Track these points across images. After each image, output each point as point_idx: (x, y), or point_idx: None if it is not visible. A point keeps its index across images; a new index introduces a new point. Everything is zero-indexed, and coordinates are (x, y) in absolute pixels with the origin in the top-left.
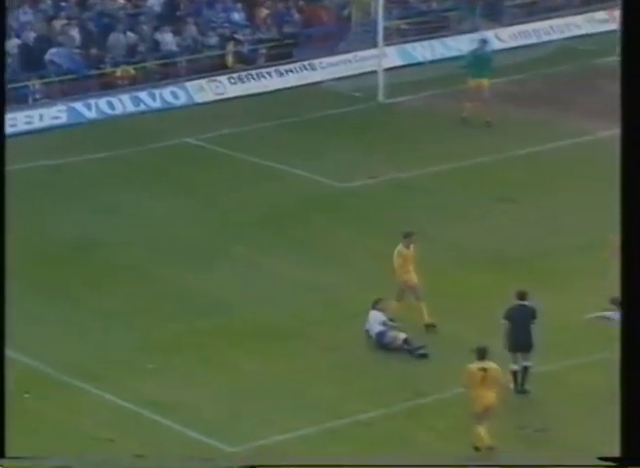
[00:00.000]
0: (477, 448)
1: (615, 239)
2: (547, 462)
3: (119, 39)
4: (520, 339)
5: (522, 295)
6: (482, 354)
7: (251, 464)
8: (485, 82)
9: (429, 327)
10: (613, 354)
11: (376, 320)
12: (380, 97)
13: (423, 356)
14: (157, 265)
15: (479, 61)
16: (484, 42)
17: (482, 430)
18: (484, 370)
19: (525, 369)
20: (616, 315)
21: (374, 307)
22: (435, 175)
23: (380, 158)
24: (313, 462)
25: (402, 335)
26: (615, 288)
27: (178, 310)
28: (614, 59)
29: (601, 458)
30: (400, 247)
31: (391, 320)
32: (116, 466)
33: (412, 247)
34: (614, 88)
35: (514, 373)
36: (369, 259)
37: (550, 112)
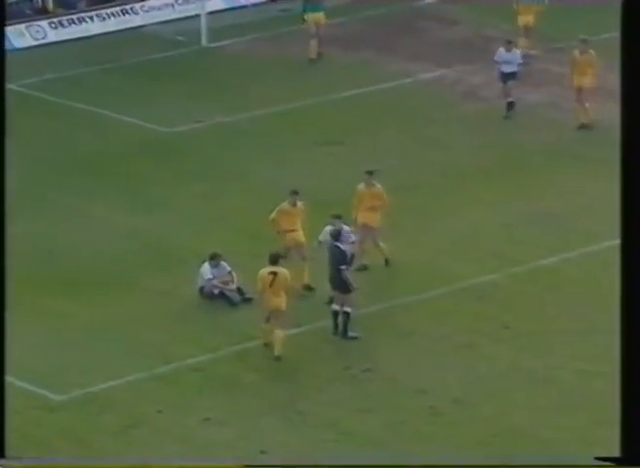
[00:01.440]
0: (266, 345)
1: (361, 188)
2: (539, 462)
3: None
4: (333, 279)
5: (335, 235)
6: (274, 259)
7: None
8: (321, 18)
9: (307, 288)
10: (433, 292)
11: (202, 275)
12: (204, 41)
13: (249, 300)
14: None
15: None
16: None
17: (268, 327)
18: (274, 273)
19: (346, 314)
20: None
21: (208, 261)
22: (261, 118)
23: (205, 102)
24: (311, 462)
25: (217, 290)
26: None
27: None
28: (434, 0)
29: (601, 458)
30: (285, 204)
31: (230, 273)
32: (116, 466)
33: (299, 204)
34: (434, 30)
35: (334, 314)
36: (196, 204)
37: (372, 54)
